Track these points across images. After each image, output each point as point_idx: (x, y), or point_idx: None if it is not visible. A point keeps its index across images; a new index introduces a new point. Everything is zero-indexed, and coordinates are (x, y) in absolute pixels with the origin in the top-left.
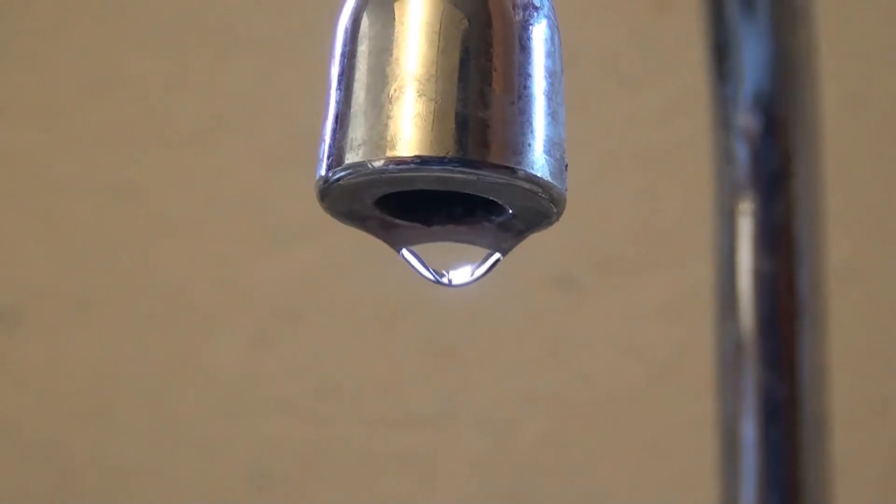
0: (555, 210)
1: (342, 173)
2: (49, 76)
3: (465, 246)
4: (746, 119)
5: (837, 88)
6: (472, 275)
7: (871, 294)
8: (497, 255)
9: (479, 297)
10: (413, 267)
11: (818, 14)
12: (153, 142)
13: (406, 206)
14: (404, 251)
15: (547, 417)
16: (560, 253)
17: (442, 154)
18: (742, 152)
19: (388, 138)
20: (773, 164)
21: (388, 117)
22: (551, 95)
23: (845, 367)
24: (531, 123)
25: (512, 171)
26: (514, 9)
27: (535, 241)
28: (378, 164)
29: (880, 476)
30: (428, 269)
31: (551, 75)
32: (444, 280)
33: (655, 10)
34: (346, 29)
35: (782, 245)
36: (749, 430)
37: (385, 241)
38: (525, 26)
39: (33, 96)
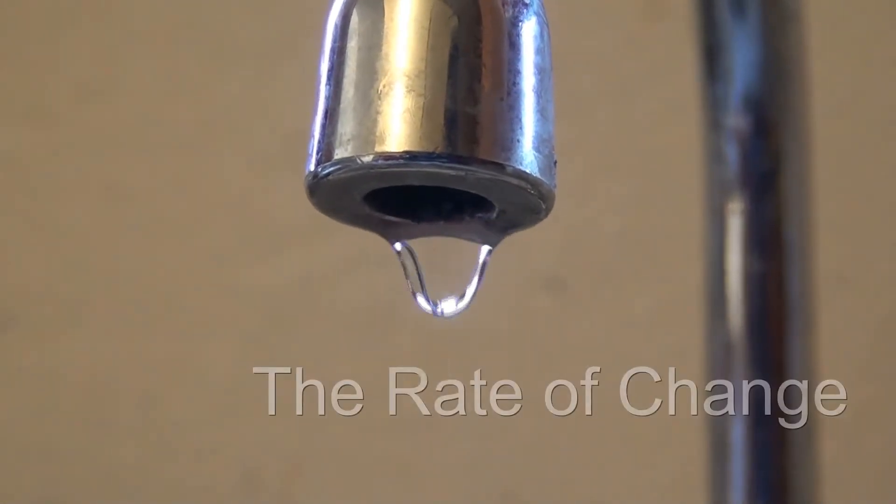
0: (543, 206)
1: (331, 168)
2: (42, 79)
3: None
4: (736, 120)
5: (827, 89)
6: (456, 305)
7: (860, 298)
8: (475, 286)
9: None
10: (414, 298)
11: (808, 16)
12: (147, 145)
13: (395, 202)
14: (410, 281)
15: (537, 421)
16: (551, 257)
17: (431, 149)
18: (732, 152)
19: (378, 133)
20: (763, 165)
21: (378, 113)
22: (540, 92)
23: (834, 370)
24: (520, 120)
25: (501, 166)
26: (503, 5)
27: (526, 244)
28: (367, 159)
29: (868, 479)
30: (428, 300)
31: (540, 72)
32: (438, 310)
33: (646, 14)
34: (336, 25)
35: (772, 245)
36: (738, 432)
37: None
38: (514, 23)
39: (26, 99)
